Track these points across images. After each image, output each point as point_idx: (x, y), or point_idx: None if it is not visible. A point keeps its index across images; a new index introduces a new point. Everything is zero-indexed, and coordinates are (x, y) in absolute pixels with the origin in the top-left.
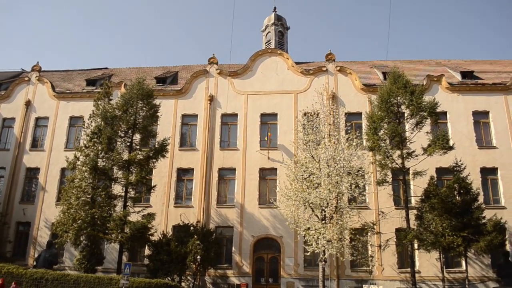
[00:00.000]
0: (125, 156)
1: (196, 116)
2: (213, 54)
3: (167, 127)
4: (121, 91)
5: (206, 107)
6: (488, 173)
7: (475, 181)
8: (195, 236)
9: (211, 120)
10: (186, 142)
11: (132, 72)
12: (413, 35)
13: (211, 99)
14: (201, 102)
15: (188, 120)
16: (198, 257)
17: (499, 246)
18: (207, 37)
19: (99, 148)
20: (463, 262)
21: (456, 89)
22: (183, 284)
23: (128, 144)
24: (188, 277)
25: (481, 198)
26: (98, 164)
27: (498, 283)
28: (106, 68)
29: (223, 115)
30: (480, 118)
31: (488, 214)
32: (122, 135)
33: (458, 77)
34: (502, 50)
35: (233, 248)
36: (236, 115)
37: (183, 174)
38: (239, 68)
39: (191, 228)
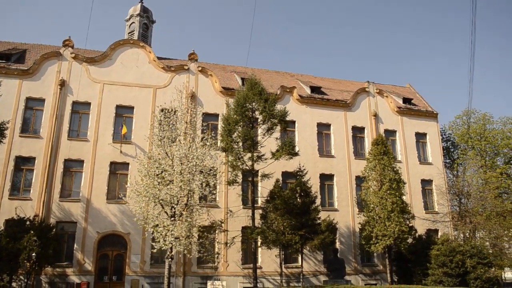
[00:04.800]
0: None
1: (43, 100)
2: (69, 37)
3: (7, 109)
4: None
5: (56, 92)
6: (326, 179)
7: (315, 186)
8: (32, 232)
9: (60, 106)
10: (29, 128)
11: None
12: (273, 47)
13: (62, 84)
14: (51, 86)
15: (33, 104)
16: (34, 254)
17: (330, 244)
18: (64, 18)
19: None
20: (300, 258)
21: (305, 101)
22: (14, 284)
23: None
24: (21, 277)
25: (318, 201)
26: None
27: (327, 277)
28: None
29: (75, 103)
30: (323, 130)
31: (323, 215)
32: None
33: (308, 90)
34: (347, 71)
35: (75, 245)
36: (89, 104)
37: (23, 163)
38: (97, 55)
39: (28, 222)
